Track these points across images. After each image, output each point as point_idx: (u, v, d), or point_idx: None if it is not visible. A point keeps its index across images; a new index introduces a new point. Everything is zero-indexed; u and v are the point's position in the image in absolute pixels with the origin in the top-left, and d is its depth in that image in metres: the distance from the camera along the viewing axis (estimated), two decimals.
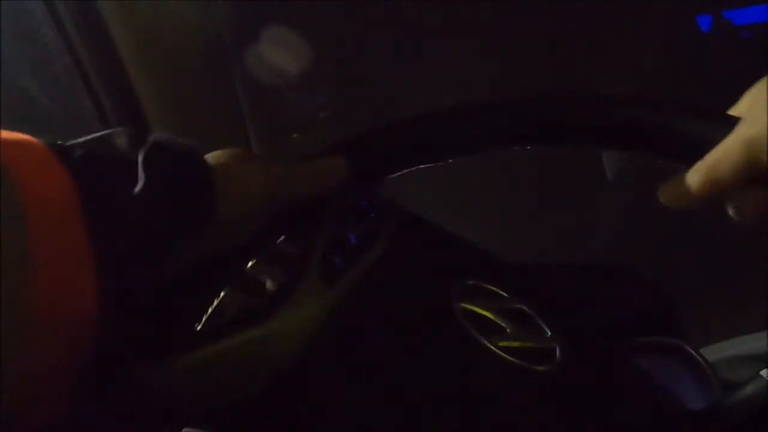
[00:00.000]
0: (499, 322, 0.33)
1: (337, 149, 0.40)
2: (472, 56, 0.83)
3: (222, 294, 0.32)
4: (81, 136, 0.29)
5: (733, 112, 0.37)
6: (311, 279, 0.32)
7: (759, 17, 0.83)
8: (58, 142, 0.28)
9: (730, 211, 0.34)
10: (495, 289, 0.36)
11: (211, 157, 0.33)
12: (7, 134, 0.27)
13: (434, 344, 0.32)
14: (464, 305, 0.34)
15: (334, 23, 0.85)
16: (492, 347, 0.32)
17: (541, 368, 0.32)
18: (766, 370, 0.29)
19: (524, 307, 0.35)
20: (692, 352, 0.45)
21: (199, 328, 0.30)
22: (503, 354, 0.32)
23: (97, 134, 0.31)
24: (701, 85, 0.80)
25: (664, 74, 0.83)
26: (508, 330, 0.33)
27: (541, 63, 0.81)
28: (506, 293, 0.35)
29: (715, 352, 0.62)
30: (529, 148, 0.45)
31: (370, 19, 0.87)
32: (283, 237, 0.36)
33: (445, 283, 0.35)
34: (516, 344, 0.33)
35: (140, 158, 0.29)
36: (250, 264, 0.34)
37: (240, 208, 0.33)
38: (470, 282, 0.35)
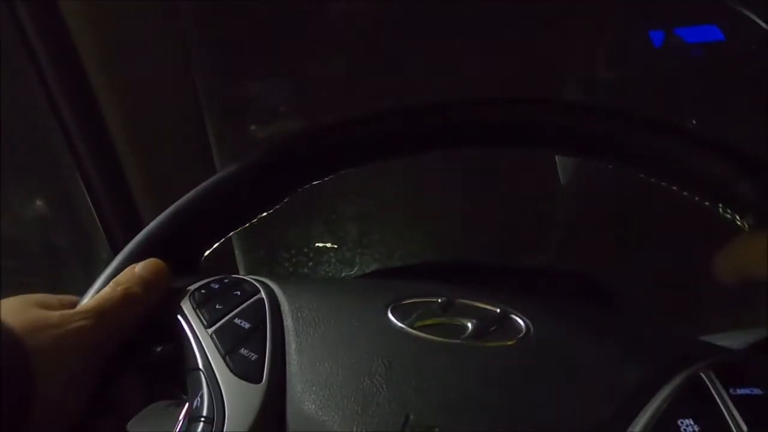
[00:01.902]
0: (454, 322, 0.34)
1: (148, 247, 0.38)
2: (430, 55, 0.84)
3: None
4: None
5: None
6: (231, 387, 0.30)
7: (709, 36, 0.86)
8: None
9: None
10: (428, 299, 0.35)
11: (10, 313, 0.31)
12: None
13: (404, 365, 0.31)
14: (415, 324, 0.33)
15: (296, 17, 0.84)
16: (460, 342, 0.32)
17: (510, 342, 0.32)
18: None
19: (465, 300, 0.35)
20: None
21: None
22: (474, 343, 0.32)
23: None
24: (652, 98, 0.83)
25: (617, 87, 0.86)
26: (468, 324, 0.33)
27: (490, 73, 0.82)
28: (439, 298, 0.35)
29: None
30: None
31: (332, 14, 0.87)
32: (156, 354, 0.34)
33: (378, 315, 0.34)
34: (482, 332, 0.33)
35: None
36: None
37: (68, 363, 0.30)
38: (402, 303, 0.35)
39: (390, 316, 0.34)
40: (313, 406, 0.29)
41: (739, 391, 0.28)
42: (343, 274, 1.03)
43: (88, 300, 0.35)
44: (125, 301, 0.34)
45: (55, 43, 0.57)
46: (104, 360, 0.33)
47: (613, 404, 0.28)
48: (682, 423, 0.27)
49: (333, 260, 1.03)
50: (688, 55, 0.85)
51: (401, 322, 0.33)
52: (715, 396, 0.28)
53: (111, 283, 0.35)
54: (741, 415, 0.26)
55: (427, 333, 0.33)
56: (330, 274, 1.03)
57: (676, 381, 0.29)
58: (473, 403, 0.29)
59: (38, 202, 0.85)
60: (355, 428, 0.28)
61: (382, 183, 0.94)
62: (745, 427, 0.26)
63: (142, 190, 0.64)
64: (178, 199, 0.44)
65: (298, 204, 0.91)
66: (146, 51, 0.62)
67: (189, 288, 0.36)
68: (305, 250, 1.03)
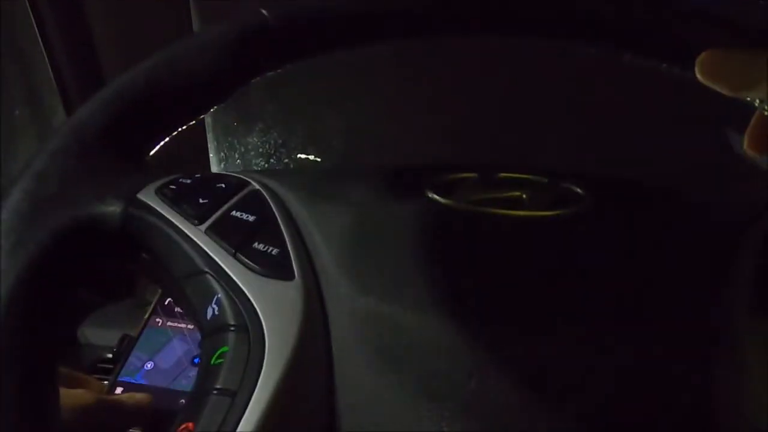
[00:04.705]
0: (506, 195, 0.29)
1: None
2: None
3: None
4: None
5: None
6: (257, 288, 0.25)
7: None
8: None
9: None
10: (468, 174, 0.31)
11: None
12: None
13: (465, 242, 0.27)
14: (466, 201, 0.29)
15: None
16: (528, 214, 0.28)
17: (579, 209, 0.29)
18: None
19: (506, 173, 0.31)
20: None
21: None
22: (542, 213, 0.28)
23: None
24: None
25: None
26: (523, 196, 0.29)
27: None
28: (477, 172, 0.31)
29: None
30: None
31: None
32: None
33: (417, 196, 0.30)
34: (543, 202, 0.29)
35: None
36: None
37: None
38: (438, 180, 0.31)
39: (432, 194, 0.29)
40: (371, 299, 0.25)
41: None
42: None
43: None
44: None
45: None
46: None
47: (711, 262, 0.26)
48: None
49: None
50: None
51: (449, 200, 0.29)
52: None
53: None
54: None
55: (485, 208, 0.28)
56: None
57: (754, 232, 0.27)
58: (570, 276, 0.25)
59: None
60: (437, 320, 0.24)
61: (374, 92, 0.87)
62: None
63: (106, 41, 0.56)
64: (148, 54, 0.37)
65: (280, 110, 0.84)
66: None
67: (150, 185, 0.29)
68: (285, 160, 0.97)
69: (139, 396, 0.48)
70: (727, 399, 0.23)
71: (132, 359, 0.55)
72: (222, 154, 0.96)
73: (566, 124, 0.83)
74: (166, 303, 0.59)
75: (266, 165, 0.97)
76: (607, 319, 0.24)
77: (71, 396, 0.41)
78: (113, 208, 0.28)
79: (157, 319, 0.58)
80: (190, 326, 0.57)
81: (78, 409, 0.41)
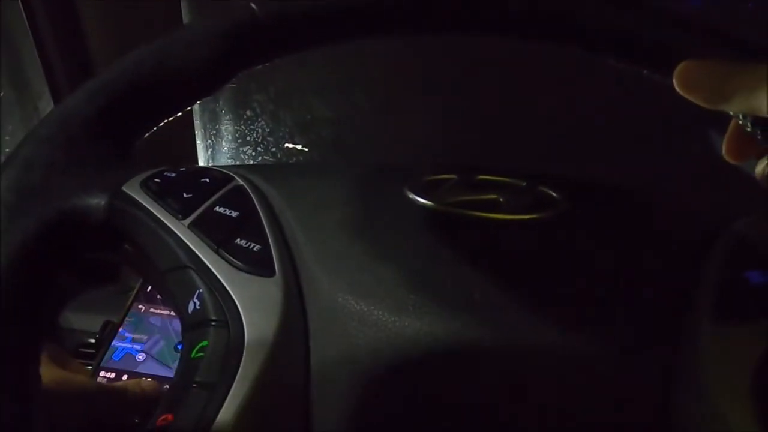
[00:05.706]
0: (483, 197, 0.30)
1: None
2: None
3: None
4: None
5: None
6: (238, 283, 0.25)
7: None
8: None
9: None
10: (446, 176, 0.32)
11: None
12: None
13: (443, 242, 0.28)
14: (443, 202, 0.30)
15: None
16: (503, 217, 0.29)
17: (553, 212, 0.30)
18: None
19: (485, 176, 0.32)
20: None
21: None
22: (517, 217, 0.29)
23: None
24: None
25: None
26: (500, 199, 0.30)
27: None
28: (456, 174, 0.32)
29: None
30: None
31: None
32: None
33: (397, 195, 0.31)
34: (518, 205, 0.30)
35: None
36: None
37: None
38: (418, 181, 0.32)
39: (411, 195, 0.30)
40: (350, 297, 0.25)
41: None
42: None
43: None
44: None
45: None
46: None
47: (680, 259, 0.28)
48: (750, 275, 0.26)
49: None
50: None
51: (427, 200, 0.30)
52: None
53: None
54: None
55: (462, 210, 0.29)
56: None
57: (726, 239, 0.28)
58: (540, 277, 0.27)
59: None
60: (415, 318, 0.25)
61: (363, 83, 0.87)
62: None
63: (94, 25, 0.55)
64: (137, 43, 0.37)
65: (268, 98, 0.83)
66: None
67: (135, 178, 0.29)
68: (273, 149, 0.97)
69: (146, 383, 0.46)
70: (684, 404, 0.24)
71: (116, 344, 0.55)
72: (209, 141, 0.96)
73: (559, 125, 0.83)
74: (148, 290, 0.59)
75: (253, 153, 0.96)
76: (576, 320, 0.25)
77: (70, 381, 0.39)
78: (98, 201, 0.28)
79: (140, 306, 0.59)
80: (173, 313, 0.58)
81: (79, 394, 0.39)
